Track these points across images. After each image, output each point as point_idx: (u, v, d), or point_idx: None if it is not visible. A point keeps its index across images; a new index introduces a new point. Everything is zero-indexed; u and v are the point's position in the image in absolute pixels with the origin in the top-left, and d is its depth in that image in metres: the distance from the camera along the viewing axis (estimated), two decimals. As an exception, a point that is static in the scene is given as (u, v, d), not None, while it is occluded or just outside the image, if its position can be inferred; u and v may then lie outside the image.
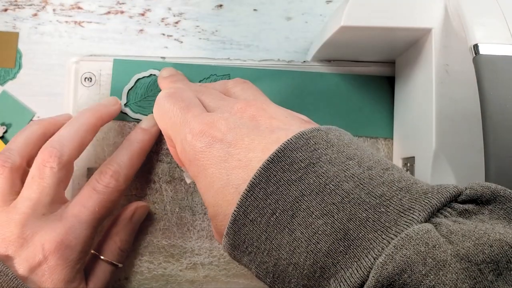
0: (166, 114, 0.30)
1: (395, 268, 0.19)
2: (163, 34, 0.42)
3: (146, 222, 0.40)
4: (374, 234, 0.20)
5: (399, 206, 0.21)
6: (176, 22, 0.42)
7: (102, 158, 0.40)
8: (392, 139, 0.40)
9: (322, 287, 0.22)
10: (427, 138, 0.33)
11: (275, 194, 0.23)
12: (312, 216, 0.22)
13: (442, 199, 0.21)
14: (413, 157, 0.36)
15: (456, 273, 0.18)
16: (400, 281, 0.19)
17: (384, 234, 0.20)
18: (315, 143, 0.24)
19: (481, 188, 0.22)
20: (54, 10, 0.42)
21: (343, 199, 0.22)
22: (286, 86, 0.41)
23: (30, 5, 0.42)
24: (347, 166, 0.23)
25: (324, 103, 0.41)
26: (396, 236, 0.20)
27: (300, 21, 0.42)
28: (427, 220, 0.20)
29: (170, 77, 0.38)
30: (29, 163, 0.34)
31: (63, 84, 0.41)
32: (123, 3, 0.42)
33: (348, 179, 0.23)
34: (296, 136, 0.25)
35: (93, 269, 0.35)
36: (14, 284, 0.29)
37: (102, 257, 0.36)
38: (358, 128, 0.40)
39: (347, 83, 0.41)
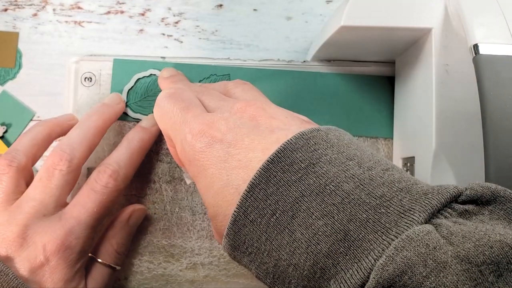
0: (166, 114, 0.30)
1: (396, 269, 0.19)
2: (163, 34, 0.42)
3: (146, 222, 0.40)
4: (375, 235, 0.20)
5: (400, 207, 0.21)
6: (176, 22, 0.42)
7: (102, 158, 0.39)
8: (392, 139, 0.40)
9: (322, 288, 0.22)
10: (427, 138, 0.33)
11: (275, 195, 0.23)
12: (312, 217, 0.22)
13: (443, 199, 0.21)
14: (413, 157, 0.36)
15: (457, 274, 0.18)
16: (401, 283, 0.19)
17: (385, 235, 0.20)
18: (315, 144, 0.24)
19: (481, 188, 0.22)
20: (54, 10, 0.42)
21: (343, 199, 0.22)
22: (286, 86, 0.41)
23: (30, 5, 0.42)
24: (347, 167, 0.23)
25: (324, 103, 0.41)
26: (397, 237, 0.20)
27: (300, 21, 0.42)
28: (428, 221, 0.20)
29: (171, 77, 0.38)
30: (33, 163, 0.35)
31: (63, 84, 0.41)
32: (123, 3, 0.42)
33: (348, 180, 0.23)
34: (296, 136, 0.25)
35: (90, 272, 0.35)
36: (14, 284, 0.29)
37: (99, 260, 0.36)
38: (358, 128, 0.40)
39: (347, 83, 0.41)
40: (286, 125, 0.27)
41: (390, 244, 0.20)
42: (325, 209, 0.22)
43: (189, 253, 0.40)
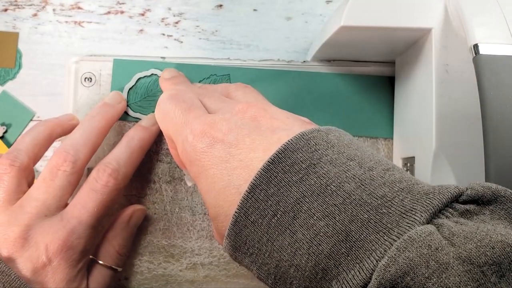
0: (168, 115, 0.30)
1: (398, 270, 0.19)
2: (163, 34, 0.42)
3: (146, 222, 0.40)
4: (376, 236, 0.20)
5: (401, 207, 0.21)
6: (176, 22, 0.42)
7: (102, 158, 0.39)
8: (392, 139, 0.40)
9: (324, 289, 0.22)
10: (427, 138, 0.33)
11: (276, 196, 0.23)
12: (314, 218, 0.22)
13: (444, 199, 0.21)
14: (413, 157, 0.36)
15: (459, 275, 0.18)
16: (403, 284, 0.19)
17: (386, 236, 0.20)
18: (316, 144, 0.24)
19: (482, 188, 0.22)
20: (54, 10, 0.42)
21: (344, 200, 0.22)
22: (286, 86, 0.41)
23: (30, 5, 0.42)
24: (348, 167, 0.23)
25: (324, 103, 0.41)
26: (399, 238, 0.20)
27: (300, 21, 0.42)
28: (429, 221, 0.20)
29: (172, 79, 0.38)
30: (35, 163, 0.35)
31: (63, 84, 0.41)
32: (123, 3, 0.42)
33: (350, 180, 0.23)
34: (297, 136, 0.25)
35: (92, 273, 0.35)
36: (16, 284, 0.29)
37: (100, 262, 0.36)
38: (358, 128, 0.40)
39: (347, 83, 0.41)
40: (288, 126, 0.27)
41: (392, 245, 0.20)
42: (326, 210, 0.22)
43: (189, 253, 0.40)
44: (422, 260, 0.19)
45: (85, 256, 0.33)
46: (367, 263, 0.20)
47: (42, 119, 0.41)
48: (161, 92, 0.39)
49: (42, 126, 0.35)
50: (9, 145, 0.40)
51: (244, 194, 0.24)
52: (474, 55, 0.28)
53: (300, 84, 0.41)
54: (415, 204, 0.21)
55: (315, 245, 0.22)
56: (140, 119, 0.40)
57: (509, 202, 0.21)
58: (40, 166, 0.40)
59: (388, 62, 0.41)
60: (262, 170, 0.24)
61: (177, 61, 0.41)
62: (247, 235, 0.24)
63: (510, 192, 0.22)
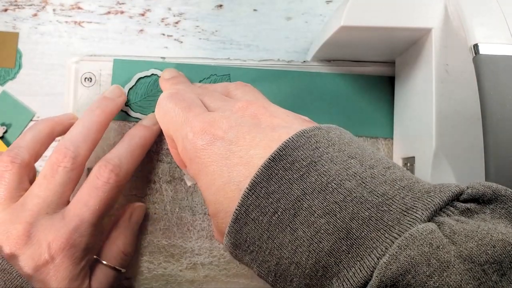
0: (168, 113, 0.30)
1: (399, 268, 0.19)
2: (163, 34, 0.42)
3: (146, 222, 0.40)
4: (377, 233, 0.20)
5: (402, 205, 0.21)
6: (176, 22, 0.42)
7: (102, 158, 0.40)
8: (392, 139, 0.40)
9: (325, 287, 0.22)
10: (427, 138, 0.33)
11: (277, 193, 0.23)
12: (314, 215, 0.22)
13: (445, 197, 0.21)
14: (413, 157, 0.36)
15: (460, 274, 0.18)
16: (404, 282, 0.19)
17: (387, 233, 0.20)
18: (317, 142, 0.24)
19: (483, 187, 0.22)
20: (54, 10, 0.42)
21: (345, 197, 0.22)
22: (286, 86, 0.41)
23: (30, 5, 0.42)
24: (348, 165, 0.23)
25: (324, 103, 0.41)
26: (400, 236, 0.20)
27: (300, 21, 0.42)
28: (430, 219, 0.20)
29: (172, 79, 0.38)
30: (36, 160, 0.35)
31: (63, 84, 0.41)
32: (123, 3, 0.42)
33: (350, 178, 0.23)
34: (298, 134, 0.25)
35: (95, 274, 0.35)
36: (18, 282, 0.29)
37: (104, 262, 0.35)
38: (358, 128, 0.40)
39: (347, 83, 0.41)
40: (288, 123, 0.27)
41: (393, 243, 0.20)
42: (327, 207, 0.22)
43: (189, 253, 0.40)
44: (423, 258, 0.19)
45: (87, 254, 0.33)
46: (368, 261, 0.20)
47: (42, 119, 0.41)
48: (161, 92, 0.39)
49: (43, 124, 0.35)
50: (9, 145, 0.40)
51: (245, 190, 0.24)
52: (474, 55, 0.28)
53: (300, 84, 0.41)
54: (416, 202, 0.21)
55: (315, 242, 0.22)
56: (140, 119, 0.40)
57: (510, 201, 0.21)
58: (40, 166, 0.40)
59: (388, 62, 0.41)
60: (263, 167, 0.24)
61: (177, 61, 0.41)
62: (248, 232, 0.24)
63: (511, 192, 0.22)
